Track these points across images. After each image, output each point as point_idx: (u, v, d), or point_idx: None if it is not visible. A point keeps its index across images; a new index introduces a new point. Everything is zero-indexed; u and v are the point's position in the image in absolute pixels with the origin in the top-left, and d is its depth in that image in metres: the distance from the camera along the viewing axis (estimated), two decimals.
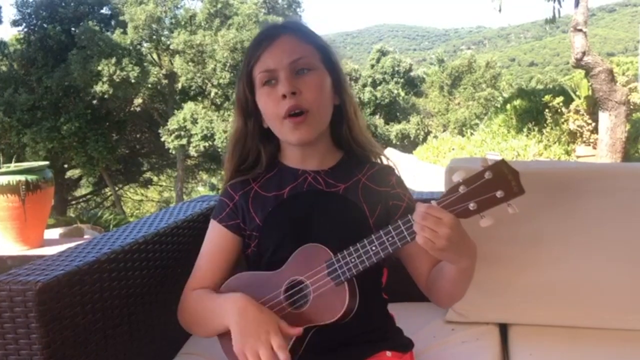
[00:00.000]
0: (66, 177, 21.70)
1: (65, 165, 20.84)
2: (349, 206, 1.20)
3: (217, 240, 1.25)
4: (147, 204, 26.43)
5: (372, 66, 32.58)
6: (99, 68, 17.98)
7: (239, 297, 1.11)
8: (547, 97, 10.10)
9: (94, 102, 18.99)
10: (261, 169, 1.25)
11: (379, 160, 1.29)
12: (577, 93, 9.80)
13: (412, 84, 32.85)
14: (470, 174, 0.97)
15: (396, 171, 1.28)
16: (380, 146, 1.31)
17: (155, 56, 21.64)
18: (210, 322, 1.17)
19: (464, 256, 1.04)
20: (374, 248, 1.04)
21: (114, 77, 18.12)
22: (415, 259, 1.21)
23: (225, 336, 1.19)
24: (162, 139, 20.25)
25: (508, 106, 12.05)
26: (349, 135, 1.25)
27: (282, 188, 1.22)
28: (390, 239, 1.03)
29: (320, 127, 1.19)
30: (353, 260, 1.06)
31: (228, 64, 19.79)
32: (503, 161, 0.96)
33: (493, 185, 0.95)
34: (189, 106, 20.01)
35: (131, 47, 19.28)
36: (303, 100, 1.14)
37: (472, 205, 0.96)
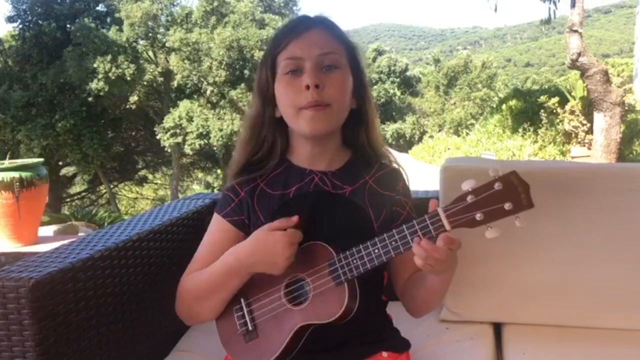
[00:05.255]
0: (61, 174, 21.60)
1: (60, 163, 20.75)
2: (355, 209, 1.19)
3: (219, 234, 1.24)
4: (142, 201, 26.34)
5: (368, 65, 32.58)
6: (95, 65, 17.89)
7: (234, 251, 1.14)
8: (542, 98, 10.12)
9: (89, 99, 18.87)
10: (276, 159, 1.22)
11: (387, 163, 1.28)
12: (573, 94, 9.82)
13: (408, 84, 32.92)
14: (480, 184, 0.95)
15: (404, 175, 1.27)
16: (391, 153, 1.30)
17: (151, 54, 21.55)
18: (218, 288, 1.16)
19: (448, 270, 1.06)
20: (376, 251, 1.03)
21: (110, 74, 18.02)
22: (399, 265, 1.21)
23: (222, 324, 1.20)
24: (158, 137, 20.18)
25: (504, 106, 12.06)
26: (366, 139, 1.24)
27: (288, 187, 1.21)
28: (393, 243, 1.02)
29: (336, 124, 1.19)
30: (355, 261, 1.05)
31: (224, 62, 19.73)
32: (514, 173, 0.94)
33: (502, 196, 0.93)
34: (184, 104, 19.94)
35: (127, 45, 19.19)
36: (325, 95, 1.13)
37: (478, 216, 0.94)
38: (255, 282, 1.15)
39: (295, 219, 1.09)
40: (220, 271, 1.15)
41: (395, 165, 1.28)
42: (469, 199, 0.95)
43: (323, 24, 1.18)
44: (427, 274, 1.10)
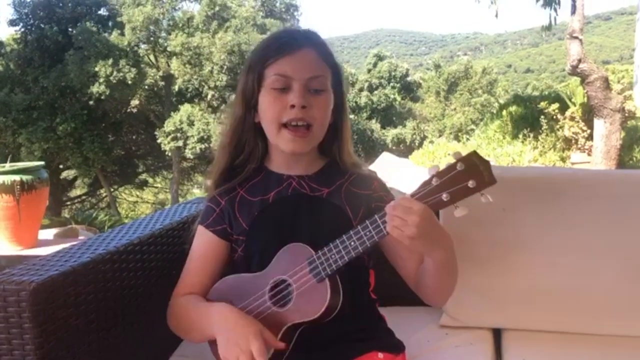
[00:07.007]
0: (61, 177, 21.59)
1: (61, 166, 20.75)
2: (333, 209, 1.22)
3: (204, 245, 1.27)
4: (142, 205, 26.32)
5: (369, 70, 32.66)
6: (96, 69, 17.93)
7: (221, 307, 1.15)
8: (542, 104, 10.12)
9: (90, 103, 18.88)
10: (256, 163, 1.26)
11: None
12: (573, 100, 9.82)
13: (409, 89, 32.94)
14: (444, 167, 1.00)
15: (378, 176, 1.32)
16: (363, 162, 1.34)
17: (152, 58, 21.60)
18: (197, 331, 1.20)
19: (435, 246, 1.07)
20: (352, 243, 1.07)
21: (111, 78, 18.05)
22: (398, 258, 1.24)
23: (213, 341, 1.20)
24: (158, 141, 20.20)
25: (504, 112, 12.05)
26: (338, 154, 1.28)
27: (267, 192, 1.25)
28: (367, 233, 1.06)
29: (315, 143, 1.23)
30: (333, 256, 1.08)
31: (225, 67, 19.77)
32: (474, 152, 0.99)
33: (465, 175, 0.98)
34: (185, 108, 19.97)
35: (128, 49, 19.23)
36: (310, 116, 1.17)
37: (445, 196, 0.99)
38: (240, 290, 1.18)
39: (281, 345, 1.10)
40: (199, 324, 1.19)
41: (367, 170, 1.32)
42: (434, 181, 1.00)
43: (313, 44, 1.21)
44: (426, 262, 1.14)
